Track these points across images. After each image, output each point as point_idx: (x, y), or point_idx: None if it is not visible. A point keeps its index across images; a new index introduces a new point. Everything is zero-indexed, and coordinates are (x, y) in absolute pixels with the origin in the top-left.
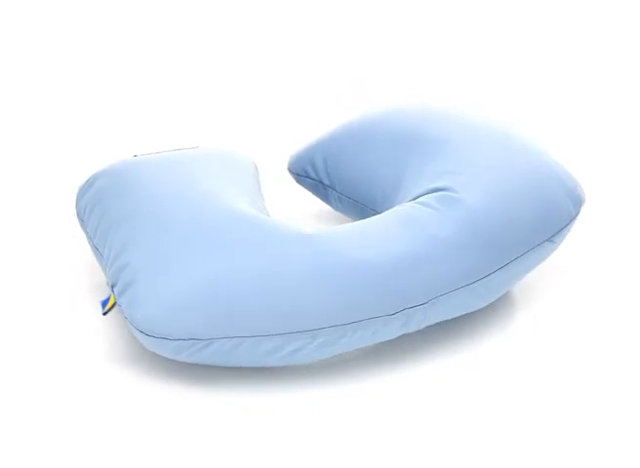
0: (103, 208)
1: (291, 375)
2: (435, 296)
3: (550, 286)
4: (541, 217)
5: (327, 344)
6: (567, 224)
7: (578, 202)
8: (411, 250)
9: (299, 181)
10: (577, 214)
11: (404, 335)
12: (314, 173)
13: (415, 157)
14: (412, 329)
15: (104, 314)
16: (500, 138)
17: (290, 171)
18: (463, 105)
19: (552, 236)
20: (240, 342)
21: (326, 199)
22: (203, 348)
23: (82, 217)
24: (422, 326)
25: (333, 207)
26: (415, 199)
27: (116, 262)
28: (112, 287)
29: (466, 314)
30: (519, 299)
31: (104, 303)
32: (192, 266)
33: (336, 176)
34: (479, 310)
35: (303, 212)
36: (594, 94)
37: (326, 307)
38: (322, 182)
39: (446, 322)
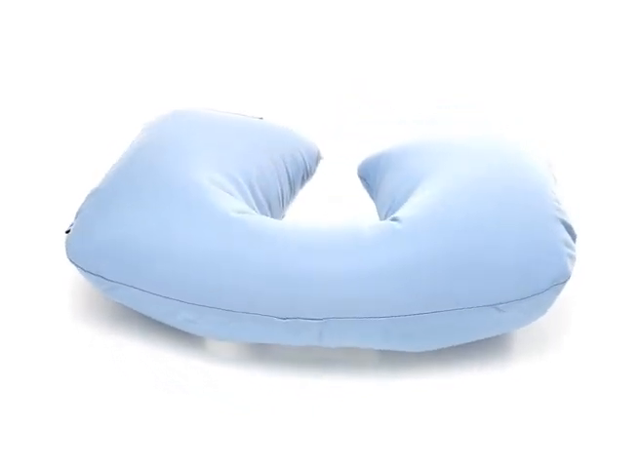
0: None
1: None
2: (329, 317)
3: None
4: (491, 278)
5: (218, 323)
6: (526, 297)
7: (554, 276)
8: (320, 264)
9: (362, 184)
10: (549, 288)
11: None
12: (369, 179)
13: (418, 187)
14: (325, 343)
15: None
16: (499, 188)
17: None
18: (489, 137)
19: (499, 303)
20: (141, 295)
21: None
22: (112, 289)
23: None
24: (336, 344)
25: None
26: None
27: (92, 189)
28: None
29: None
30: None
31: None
32: (124, 218)
33: (375, 187)
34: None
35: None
36: (594, 95)
37: (213, 288)
38: (371, 189)
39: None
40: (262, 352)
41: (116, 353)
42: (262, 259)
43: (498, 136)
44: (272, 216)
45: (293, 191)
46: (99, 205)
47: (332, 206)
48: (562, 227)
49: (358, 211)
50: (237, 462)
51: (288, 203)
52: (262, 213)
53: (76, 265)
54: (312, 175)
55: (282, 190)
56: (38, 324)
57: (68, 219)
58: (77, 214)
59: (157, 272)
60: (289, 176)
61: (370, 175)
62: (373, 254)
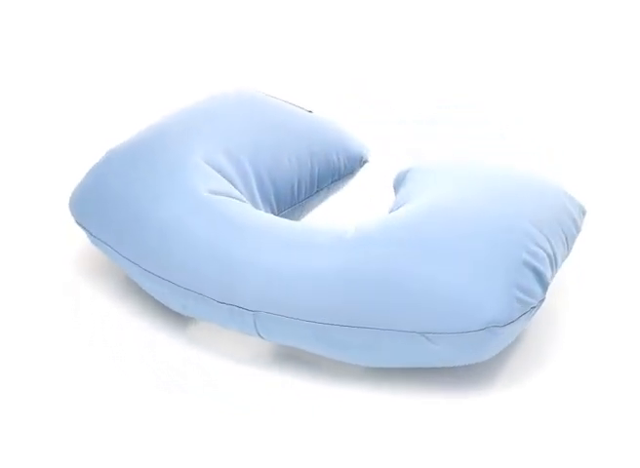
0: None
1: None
2: (260, 310)
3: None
4: (422, 305)
5: (171, 297)
6: (456, 332)
7: (490, 317)
8: (260, 257)
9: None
10: (483, 329)
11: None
12: (395, 191)
13: (403, 205)
14: (263, 335)
15: None
16: (471, 217)
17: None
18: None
19: (428, 333)
20: (116, 256)
21: None
22: (95, 243)
23: None
24: (272, 339)
25: None
26: None
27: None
28: None
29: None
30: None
31: None
32: (119, 181)
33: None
34: None
35: None
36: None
37: (167, 261)
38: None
39: None
40: (262, 352)
41: (115, 352)
42: (210, 240)
43: (523, 170)
44: (277, 208)
45: (316, 189)
46: (104, 163)
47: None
48: (524, 271)
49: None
50: (236, 462)
51: (308, 199)
52: (266, 202)
53: (72, 214)
54: (347, 176)
55: (299, 185)
56: (37, 323)
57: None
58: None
59: (128, 237)
60: (313, 174)
61: (395, 188)
62: (311, 258)
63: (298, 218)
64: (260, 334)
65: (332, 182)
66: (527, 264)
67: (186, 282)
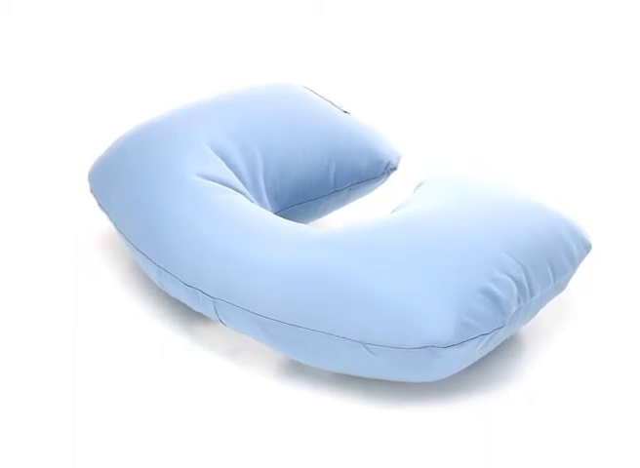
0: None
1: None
2: (220, 298)
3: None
4: (366, 314)
5: (155, 275)
6: (393, 346)
7: (430, 338)
8: (225, 244)
9: None
10: (421, 348)
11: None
12: None
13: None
14: (225, 322)
15: None
16: (441, 234)
17: None
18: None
19: (369, 343)
20: (120, 235)
21: None
22: (104, 213)
23: None
24: (232, 327)
25: None
26: None
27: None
28: None
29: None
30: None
31: None
32: (130, 158)
33: None
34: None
35: None
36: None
37: (150, 240)
38: None
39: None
40: (263, 350)
41: (114, 351)
42: (185, 223)
43: (531, 196)
44: (285, 202)
45: (332, 189)
46: (122, 139)
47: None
48: (479, 296)
49: None
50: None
51: (323, 198)
52: (271, 195)
53: (88, 183)
54: (371, 181)
55: (311, 182)
56: (38, 323)
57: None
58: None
59: (124, 213)
60: (329, 173)
61: None
62: (269, 252)
63: (311, 217)
64: (222, 321)
65: (352, 185)
66: (485, 291)
67: (162, 261)
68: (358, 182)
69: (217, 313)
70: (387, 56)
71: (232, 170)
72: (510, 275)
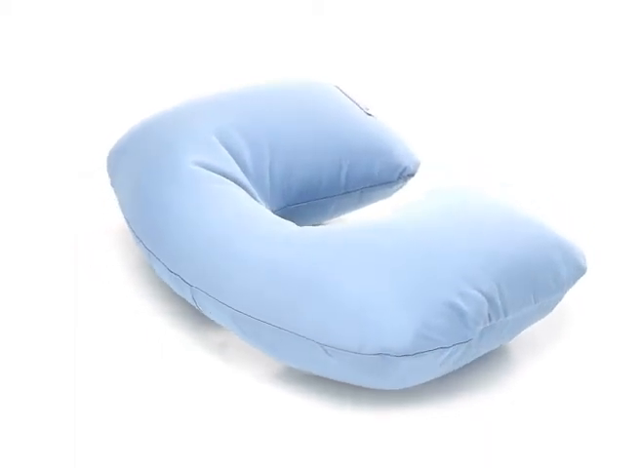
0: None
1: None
2: (197, 286)
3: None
4: (326, 315)
5: (148, 259)
6: (347, 350)
7: (385, 344)
8: (206, 234)
9: None
10: (376, 354)
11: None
12: None
13: None
14: (203, 312)
15: None
16: (418, 242)
17: None
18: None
19: (325, 345)
20: (124, 218)
21: None
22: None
23: None
24: (208, 315)
25: None
26: None
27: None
28: None
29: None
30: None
31: None
32: (141, 145)
33: None
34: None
35: None
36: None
37: (143, 224)
38: None
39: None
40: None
41: (114, 351)
42: (173, 210)
43: (529, 217)
44: (292, 199)
45: (343, 190)
46: (141, 122)
47: None
48: (444, 310)
49: None
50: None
51: (332, 198)
52: (276, 190)
53: (106, 162)
54: (386, 186)
55: (320, 181)
56: (38, 323)
57: None
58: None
59: (126, 193)
60: (340, 173)
61: None
62: (243, 244)
63: (322, 217)
64: (200, 309)
65: (365, 188)
66: (451, 304)
67: (150, 244)
68: (372, 185)
69: (195, 301)
70: (387, 56)
71: (237, 161)
72: (482, 291)
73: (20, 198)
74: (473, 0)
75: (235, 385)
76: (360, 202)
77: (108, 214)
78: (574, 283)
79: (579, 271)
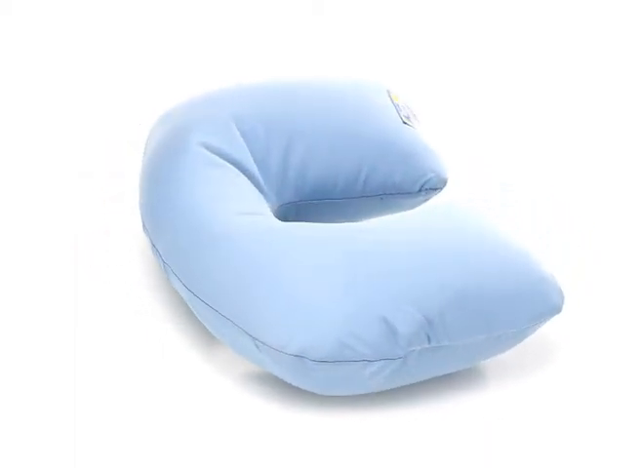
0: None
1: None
2: (168, 263)
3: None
4: (257, 308)
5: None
6: (269, 346)
7: (305, 345)
8: (193, 225)
9: None
10: (295, 355)
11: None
12: None
13: None
14: (192, 306)
15: None
16: (391, 254)
17: None
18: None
19: (255, 339)
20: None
21: None
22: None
23: None
24: (203, 316)
25: None
26: None
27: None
28: None
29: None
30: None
31: None
32: (163, 126)
33: None
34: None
35: None
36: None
37: (147, 210)
38: None
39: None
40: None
41: (114, 351)
42: (168, 189)
43: (513, 245)
44: (303, 194)
45: (360, 194)
46: (168, 110)
47: None
48: (375, 323)
49: None
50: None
51: (347, 200)
52: (288, 184)
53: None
54: (407, 196)
55: (335, 180)
56: (38, 323)
57: None
58: None
59: (143, 165)
60: (358, 176)
61: None
62: (211, 226)
63: (339, 218)
64: (200, 311)
65: (384, 195)
66: (385, 320)
67: (145, 219)
68: (392, 193)
69: (169, 279)
70: (387, 56)
71: (250, 148)
72: (425, 313)
73: (21, 198)
74: (473, 0)
75: (235, 385)
76: (381, 209)
77: (108, 213)
78: (543, 320)
79: (551, 310)
